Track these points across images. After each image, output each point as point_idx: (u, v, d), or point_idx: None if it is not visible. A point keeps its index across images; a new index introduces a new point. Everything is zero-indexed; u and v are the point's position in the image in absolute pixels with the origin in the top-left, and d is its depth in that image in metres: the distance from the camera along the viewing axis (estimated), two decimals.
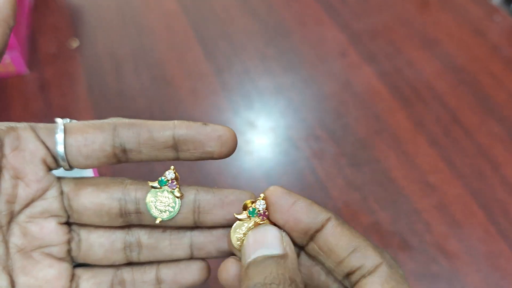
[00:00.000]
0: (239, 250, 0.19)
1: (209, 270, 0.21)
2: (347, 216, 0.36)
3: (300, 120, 0.42)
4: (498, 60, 0.47)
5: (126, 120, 0.20)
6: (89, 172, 0.33)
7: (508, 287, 0.32)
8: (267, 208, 0.19)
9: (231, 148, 0.19)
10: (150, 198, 0.19)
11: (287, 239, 0.19)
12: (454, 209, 0.36)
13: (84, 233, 0.20)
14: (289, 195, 0.19)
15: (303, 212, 0.19)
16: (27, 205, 0.19)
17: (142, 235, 0.21)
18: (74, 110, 0.44)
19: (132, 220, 0.20)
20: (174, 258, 0.21)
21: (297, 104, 0.44)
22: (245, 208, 0.19)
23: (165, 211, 0.19)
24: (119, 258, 0.21)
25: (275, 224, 0.19)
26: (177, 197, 0.19)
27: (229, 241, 0.19)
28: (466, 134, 0.41)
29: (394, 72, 0.46)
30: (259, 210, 0.18)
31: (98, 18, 0.53)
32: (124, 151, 0.19)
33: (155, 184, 0.20)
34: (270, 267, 0.17)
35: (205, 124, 0.19)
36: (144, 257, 0.21)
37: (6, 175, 0.19)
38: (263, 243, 0.18)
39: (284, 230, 0.19)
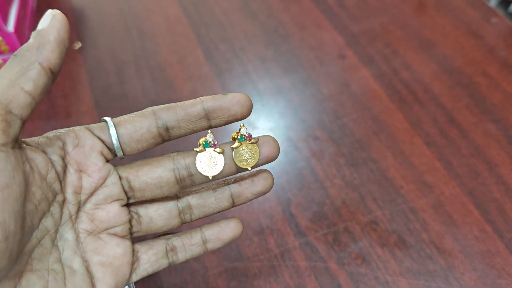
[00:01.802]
0: (247, 167, 0.23)
1: (242, 224, 0.25)
2: (345, 215, 0.37)
3: (299, 121, 0.43)
4: (494, 61, 0.47)
5: (162, 106, 0.23)
6: None
7: (504, 286, 0.33)
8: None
9: (249, 109, 0.23)
10: (198, 160, 0.23)
11: None
12: (451, 208, 0.37)
13: (142, 210, 0.24)
14: None
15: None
16: (91, 193, 0.22)
17: (190, 199, 0.25)
18: (76, 111, 0.44)
19: (187, 184, 0.24)
20: (220, 210, 0.25)
21: (297, 105, 0.44)
22: (234, 139, 0.24)
23: (214, 168, 0.23)
24: (176, 222, 0.24)
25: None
26: (219, 153, 0.23)
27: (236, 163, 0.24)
28: (462, 134, 0.42)
29: (391, 74, 0.47)
30: (244, 135, 0.23)
31: (100, 21, 0.53)
32: (167, 129, 0.23)
33: (200, 148, 0.23)
34: None
35: (225, 94, 0.23)
36: (196, 216, 0.25)
37: (71, 169, 0.22)
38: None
39: None
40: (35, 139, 0.21)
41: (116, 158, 0.23)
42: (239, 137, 0.24)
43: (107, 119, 0.23)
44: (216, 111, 0.23)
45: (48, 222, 0.21)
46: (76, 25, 0.53)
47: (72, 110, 0.44)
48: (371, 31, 0.51)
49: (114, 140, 0.22)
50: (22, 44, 0.46)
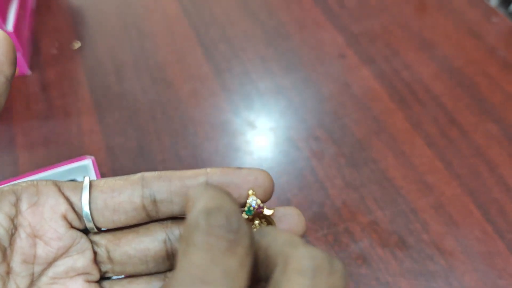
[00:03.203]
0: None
1: None
2: (345, 215, 0.36)
3: (299, 121, 0.43)
4: (495, 62, 0.47)
5: (155, 172, 0.18)
6: (92, 176, 0.34)
7: (505, 286, 0.33)
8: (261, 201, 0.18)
9: (268, 190, 0.18)
10: None
11: None
12: (451, 209, 0.37)
13: None
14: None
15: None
16: (49, 264, 0.18)
17: None
18: (75, 111, 0.44)
19: None
20: None
21: (297, 105, 0.44)
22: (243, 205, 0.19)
23: None
24: None
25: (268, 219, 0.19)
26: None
27: None
28: (463, 134, 0.41)
29: (392, 74, 0.47)
30: (254, 208, 0.18)
31: (99, 20, 0.53)
32: (155, 202, 0.18)
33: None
34: None
35: (239, 168, 0.18)
36: None
37: (22, 233, 0.17)
38: None
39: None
40: None
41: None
42: (246, 209, 0.18)
43: (87, 178, 0.18)
44: (223, 188, 0.18)
45: None
46: (75, 25, 0.53)
47: (70, 110, 0.44)
48: (372, 31, 0.51)
49: (84, 203, 0.17)
50: (21, 43, 0.46)
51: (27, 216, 0.17)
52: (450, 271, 0.33)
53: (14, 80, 0.46)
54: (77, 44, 0.50)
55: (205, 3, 0.55)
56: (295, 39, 0.50)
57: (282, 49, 0.49)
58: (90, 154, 0.38)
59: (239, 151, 0.41)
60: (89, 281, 0.18)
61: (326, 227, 0.36)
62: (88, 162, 0.34)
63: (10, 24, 0.45)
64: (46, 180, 0.18)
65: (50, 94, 0.46)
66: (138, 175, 0.18)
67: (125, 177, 0.18)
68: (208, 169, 0.18)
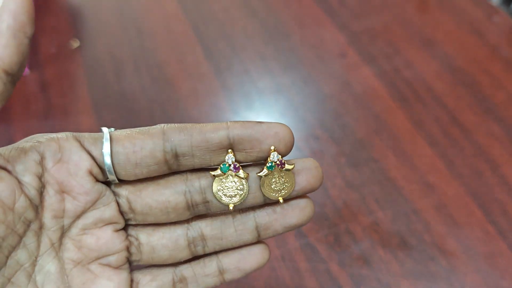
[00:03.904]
0: (278, 199, 0.19)
1: (269, 251, 0.20)
2: (346, 216, 0.36)
3: (300, 120, 0.43)
4: (497, 60, 0.47)
5: (176, 125, 0.18)
6: None
7: (507, 287, 0.32)
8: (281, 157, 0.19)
9: (287, 146, 0.19)
10: (216, 187, 0.19)
11: None
12: (453, 209, 0.36)
13: (143, 237, 0.19)
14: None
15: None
16: (77, 217, 0.18)
17: (204, 228, 0.20)
18: (74, 110, 0.44)
19: (200, 211, 0.19)
20: (241, 244, 0.20)
21: (297, 104, 0.44)
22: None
23: (235, 196, 0.19)
24: (184, 255, 0.20)
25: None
26: (243, 178, 0.19)
27: (265, 193, 0.20)
28: (464, 134, 0.41)
29: (393, 73, 0.46)
30: (275, 162, 0.19)
31: (98, 19, 0.53)
32: (176, 156, 0.18)
33: (217, 172, 0.19)
34: None
35: (260, 122, 0.18)
36: (210, 249, 0.20)
37: (50, 190, 0.17)
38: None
39: None
40: (4, 151, 0.17)
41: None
42: (268, 164, 0.19)
43: (105, 129, 0.18)
44: (244, 141, 0.18)
45: (20, 255, 0.17)
46: (74, 24, 0.52)
47: (70, 109, 0.44)
48: (373, 29, 0.50)
49: (107, 159, 0.18)
50: None
51: (54, 173, 0.17)
52: (451, 272, 0.33)
53: None
54: (76, 43, 0.50)
55: (204, 1, 0.54)
56: (295, 37, 0.50)
57: (282, 48, 0.49)
58: None
59: None
60: (116, 230, 0.19)
61: (327, 227, 0.36)
62: None
63: None
64: (67, 135, 0.18)
65: (49, 93, 0.45)
66: (158, 127, 0.18)
67: (145, 129, 0.18)
68: (229, 122, 0.18)
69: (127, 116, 0.43)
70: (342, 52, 0.48)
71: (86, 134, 0.19)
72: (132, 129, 0.19)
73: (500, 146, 0.40)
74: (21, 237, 0.17)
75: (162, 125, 0.18)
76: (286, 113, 0.43)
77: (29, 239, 0.17)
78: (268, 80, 0.46)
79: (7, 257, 0.17)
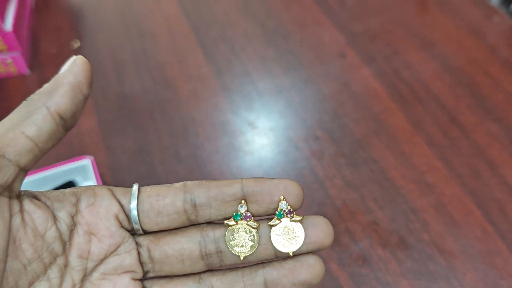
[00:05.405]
0: (288, 252, 0.20)
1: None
2: (345, 215, 0.36)
3: (299, 121, 0.43)
4: (495, 61, 0.47)
5: (196, 181, 0.20)
6: (91, 175, 0.34)
7: (506, 286, 0.33)
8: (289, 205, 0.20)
9: (298, 198, 0.20)
10: (228, 236, 0.20)
11: None
12: (452, 209, 0.37)
13: None
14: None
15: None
16: (100, 261, 0.20)
17: (214, 282, 0.20)
18: None
19: (213, 262, 0.20)
20: None
21: (297, 105, 0.44)
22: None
23: (245, 246, 0.20)
24: None
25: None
26: (254, 228, 0.20)
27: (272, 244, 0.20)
28: (463, 134, 0.41)
29: (392, 73, 0.46)
30: (284, 211, 0.20)
31: (99, 20, 0.53)
32: (195, 206, 0.20)
33: (231, 221, 0.20)
34: None
35: (271, 178, 0.20)
36: None
37: (80, 230, 0.19)
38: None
39: None
40: (47, 191, 0.19)
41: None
42: (277, 212, 0.20)
43: (136, 184, 0.21)
44: (256, 194, 0.20)
45: (42, 286, 0.18)
46: (75, 24, 0.52)
47: None
48: (372, 30, 0.51)
49: (132, 205, 0.20)
50: (20, 42, 0.46)
51: (85, 215, 0.19)
52: (450, 271, 0.33)
53: (13, 80, 0.46)
54: (76, 44, 0.50)
55: (205, 3, 0.55)
56: (295, 38, 0.50)
57: (282, 49, 0.49)
58: (90, 154, 0.38)
59: (239, 151, 0.41)
60: (134, 279, 0.20)
61: None
62: (87, 162, 0.34)
63: (9, 23, 0.45)
64: (101, 186, 0.20)
65: None
66: (181, 183, 0.20)
67: (169, 184, 0.20)
68: (244, 179, 0.20)
69: (127, 116, 0.43)
70: (342, 53, 0.49)
71: (119, 188, 0.21)
72: (158, 185, 0.21)
73: (499, 146, 0.40)
74: (46, 268, 0.18)
75: (185, 182, 0.20)
76: (286, 113, 0.43)
77: (54, 273, 0.18)
78: (268, 81, 0.46)
79: (29, 285, 0.18)
